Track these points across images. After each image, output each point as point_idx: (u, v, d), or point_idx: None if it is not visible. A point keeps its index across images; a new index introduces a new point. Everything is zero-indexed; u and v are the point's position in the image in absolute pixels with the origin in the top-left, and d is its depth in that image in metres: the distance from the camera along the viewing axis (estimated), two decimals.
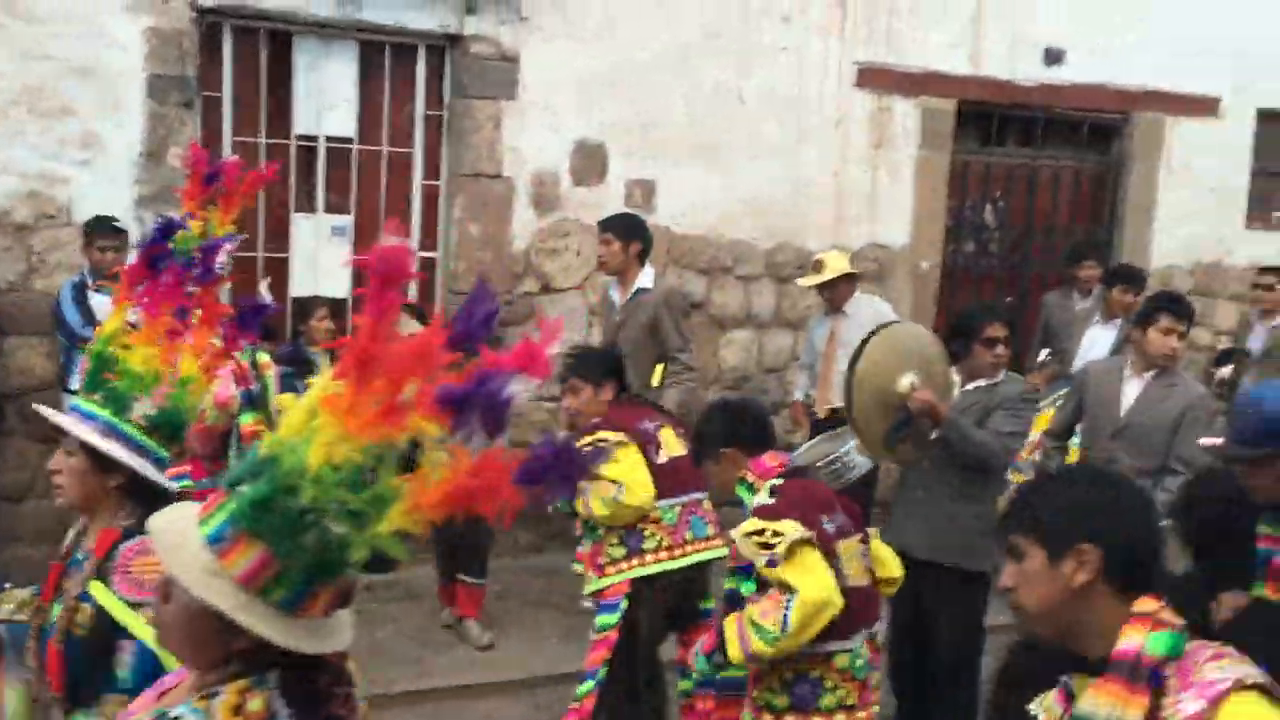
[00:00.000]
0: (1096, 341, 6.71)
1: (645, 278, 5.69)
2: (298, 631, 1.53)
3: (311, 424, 1.44)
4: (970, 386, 4.48)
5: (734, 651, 3.14)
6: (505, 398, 1.38)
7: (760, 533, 3.13)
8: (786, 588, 3.05)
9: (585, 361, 4.46)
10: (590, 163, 6.86)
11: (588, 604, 4.39)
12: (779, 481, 3.32)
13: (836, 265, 6.30)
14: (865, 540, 3.44)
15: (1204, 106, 8.34)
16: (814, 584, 3.04)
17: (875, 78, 7.47)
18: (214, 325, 2.46)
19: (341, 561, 1.50)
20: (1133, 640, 1.81)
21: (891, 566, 3.57)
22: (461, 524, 4.87)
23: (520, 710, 5.10)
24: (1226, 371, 7.05)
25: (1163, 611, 1.84)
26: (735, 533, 3.25)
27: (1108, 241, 8.31)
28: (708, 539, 4.34)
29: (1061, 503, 1.90)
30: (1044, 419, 5.61)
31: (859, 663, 3.24)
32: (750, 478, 3.39)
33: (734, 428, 3.48)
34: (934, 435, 4.23)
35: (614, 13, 6.77)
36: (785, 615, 3.01)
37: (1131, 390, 4.76)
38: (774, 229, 7.37)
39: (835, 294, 6.31)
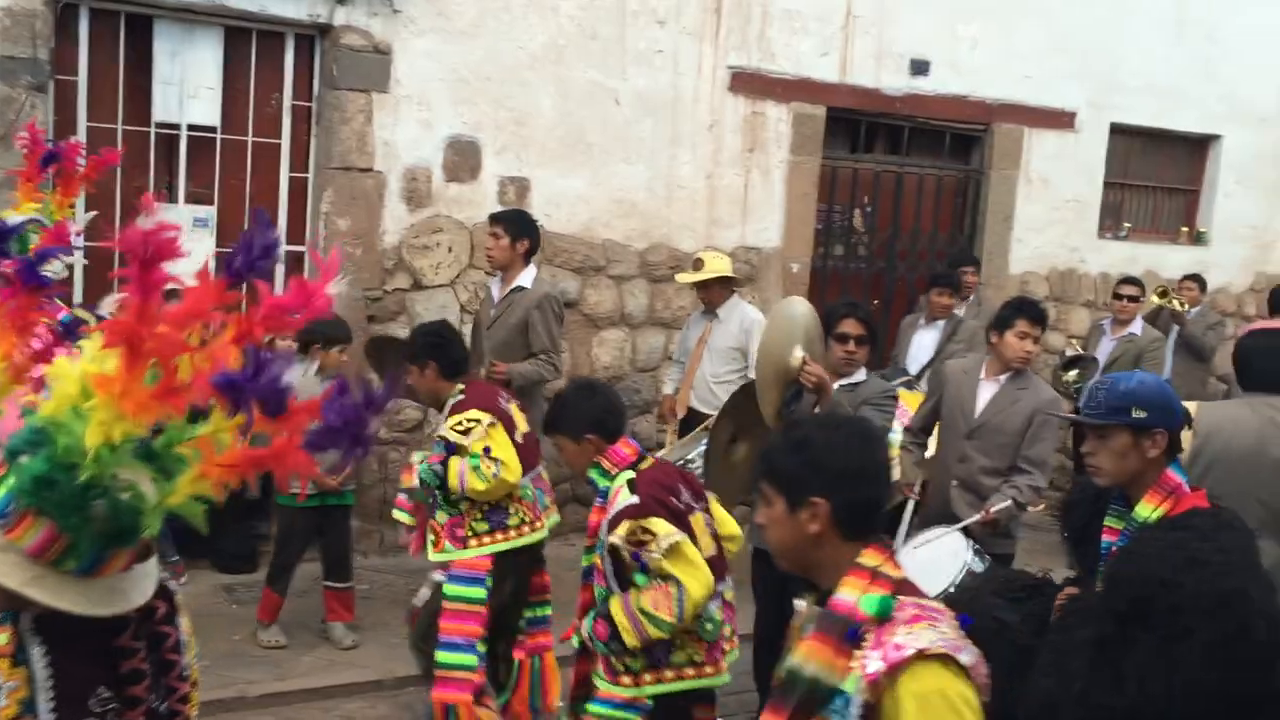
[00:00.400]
0: (922, 344, 6.94)
1: (526, 277, 5.74)
2: (95, 593, 1.54)
3: (86, 404, 1.43)
4: (835, 385, 4.58)
5: (631, 640, 3.36)
6: (282, 384, 1.40)
7: (632, 531, 3.37)
8: (670, 579, 3.31)
9: (405, 345, 4.59)
10: (464, 159, 6.81)
11: (438, 575, 4.47)
12: (632, 474, 3.50)
13: (715, 266, 6.38)
14: (707, 509, 3.66)
15: (1060, 120, 8.69)
16: (699, 578, 3.32)
17: (748, 83, 7.58)
18: (28, 333, 2.37)
19: (134, 529, 1.50)
20: (849, 594, 2.01)
21: (730, 525, 3.81)
22: (324, 531, 4.84)
23: (383, 711, 5.04)
24: (1073, 375, 7.36)
25: (885, 565, 2.04)
26: (614, 537, 3.42)
27: (969, 248, 8.59)
28: (547, 509, 4.60)
29: (801, 458, 2.09)
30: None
31: (709, 626, 3.45)
32: (606, 464, 3.59)
33: (598, 415, 3.64)
34: (815, 409, 4.31)
35: (488, 8, 6.73)
36: (679, 608, 3.30)
37: (986, 392, 4.89)
38: (647, 230, 7.43)
39: (711, 295, 6.39)
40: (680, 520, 3.43)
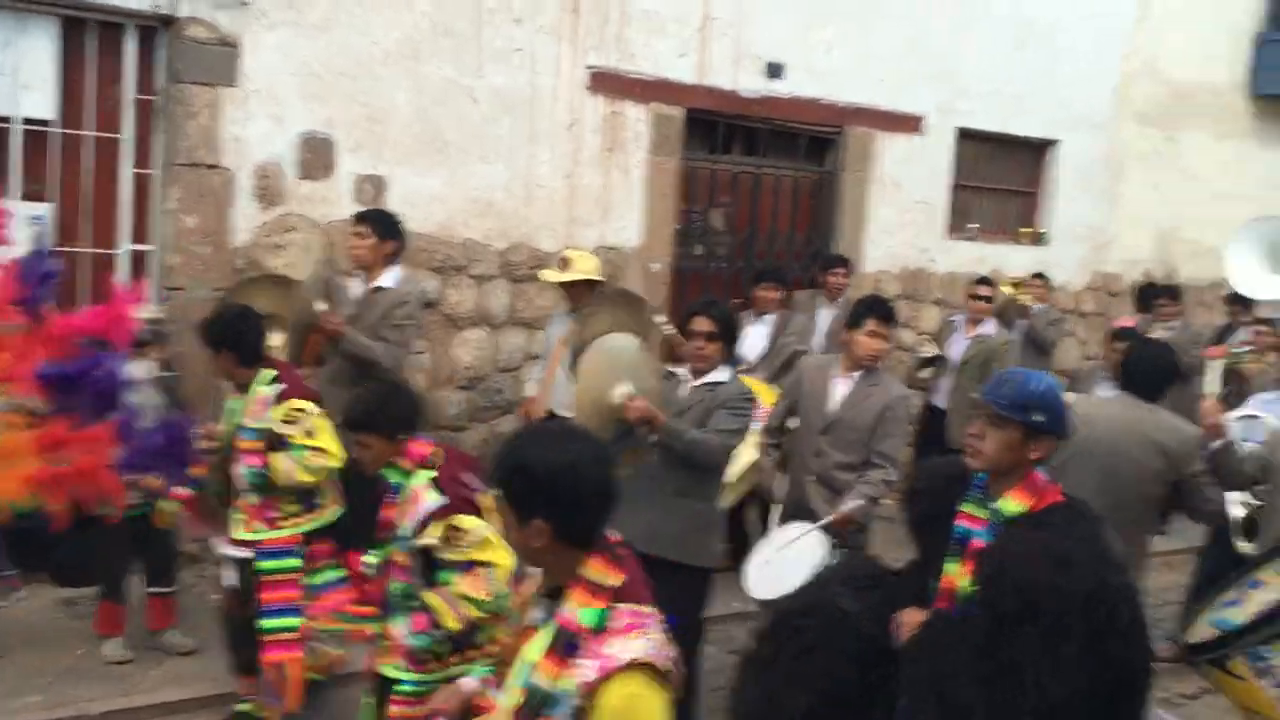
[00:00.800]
0: (750, 338, 7.08)
1: (389, 277, 5.67)
2: None
3: None
4: (696, 384, 4.63)
5: (451, 623, 3.58)
6: (118, 379, 1.35)
7: (444, 531, 3.60)
8: (482, 564, 3.55)
9: (200, 334, 4.58)
10: (317, 157, 6.66)
11: (232, 551, 4.62)
12: (432, 473, 3.69)
13: (583, 267, 6.36)
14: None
15: (909, 124, 8.96)
16: (503, 556, 3.56)
17: (607, 83, 7.61)
18: None
19: None
20: (571, 608, 2.18)
21: None
22: (147, 539, 4.74)
23: None
24: (927, 373, 7.60)
25: (605, 575, 2.20)
26: (426, 538, 3.62)
27: (825, 247, 8.79)
28: None
29: (525, 475, 2.18)
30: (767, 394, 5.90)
31: (505, 604, 3.56)
32: (405, 463, 3.73)
33: (410, 414, 3.79)
34: (653, 441, 4.35)
35: (340, 3, 6.60)
36: (493, 585, 3.55)
37: (840, 388, 5.02)
38: (507, 229, 7.39)
39: (576, 296, 6.32)
40: (474, 507, 3.66)
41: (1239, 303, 9.18)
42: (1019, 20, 9.35)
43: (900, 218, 9.07)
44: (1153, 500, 4.84)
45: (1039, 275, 8.92)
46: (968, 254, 9.51)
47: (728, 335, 4.63)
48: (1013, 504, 2.98)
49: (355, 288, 5.79)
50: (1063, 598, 2.50)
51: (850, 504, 4.74)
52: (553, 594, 2.25)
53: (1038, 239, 10.04)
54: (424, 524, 3.60)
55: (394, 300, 5.60)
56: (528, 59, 7.29)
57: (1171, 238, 10.75)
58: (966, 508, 3.06)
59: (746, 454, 5.53)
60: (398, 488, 3.72)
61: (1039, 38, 9.47)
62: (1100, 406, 5.08)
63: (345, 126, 6.72)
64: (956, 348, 7.73)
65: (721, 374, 4.61)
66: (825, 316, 7.69)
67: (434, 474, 3.67)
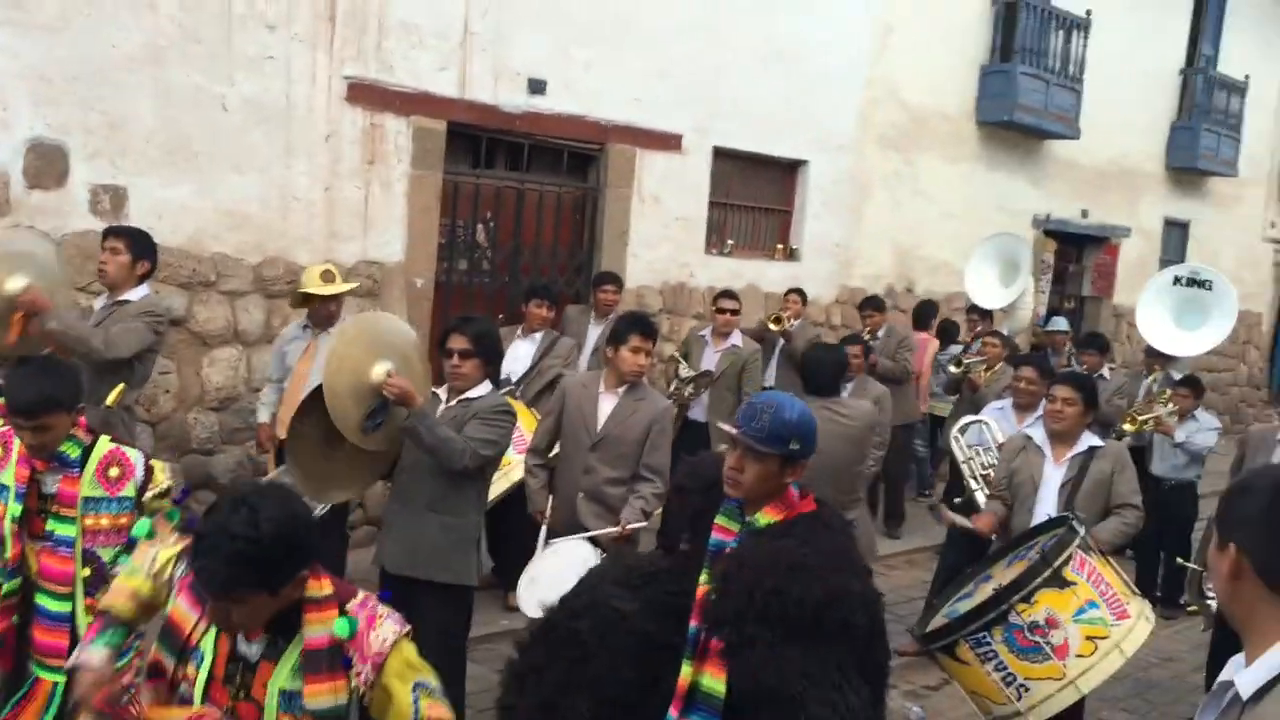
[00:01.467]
0: (517, 354, 7.04)
1: (135, 294, 5.34)
2: None
3: None
4: (452, 401, 4.59)
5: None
6: None
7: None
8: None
9: None
10: (48, 165, 6.23)
11: None
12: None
13: (342, 284, 6.24)
14: None
15: (668, 143, 9.20)
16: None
17: (366, 94, 7.46)
18: None
19: None
20: (320, 630, 2.40)
21: None
22: None
23: None
24: (690, 389, 7.81)
25: (325, 588, 2.44)
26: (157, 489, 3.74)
27: (589, 262, 8.91)
28: None
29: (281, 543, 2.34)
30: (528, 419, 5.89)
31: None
32: (80, 434, 3.68)
33: (76, 385, 3.71)
34: (404, 423, 4.31)
35: (73, 3, 6.20)
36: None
37: (606, 404, 5.09)
38: (262, 243, 7.12)
39: (324, 312, 6.15)
40: None
41: (978, 313, 9.91)
42: (769, 45, 9.76)
43: (661, 233, 9.29)
44: (858, 476, 5.54)
45: (796, 291, 9.33)
46: (725, 269, 9.84)
47: (486, 353, 4.59)
48: (765, 518, 2.98)
49: (98, 305, 5.45)
50: (789, 601, 2.62)
51: (631, 523, 4.85)
52: (274, 627, 2.42)
53: (790, 255, 10.50)
54: (149, 474, 3.72)
55: (137, 310, 5.26)
56: (281, 67, 7.06)
57: (910, 254, 11.46)
58: (721, 520, 3.04)
59: (517, 471, 5.54)
60: (74, 460, 3.64)
61: (788, 63, 9.92)
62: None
63: (80, 133, 6.31)
64: (708, 360, 7.96)
65: (479, 390, 4.59)
66: (595, 333, 7.76)
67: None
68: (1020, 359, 7.72)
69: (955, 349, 9.63)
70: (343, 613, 2.43)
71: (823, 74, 10.25)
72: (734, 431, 2.99)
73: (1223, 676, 1.97)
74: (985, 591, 4.52)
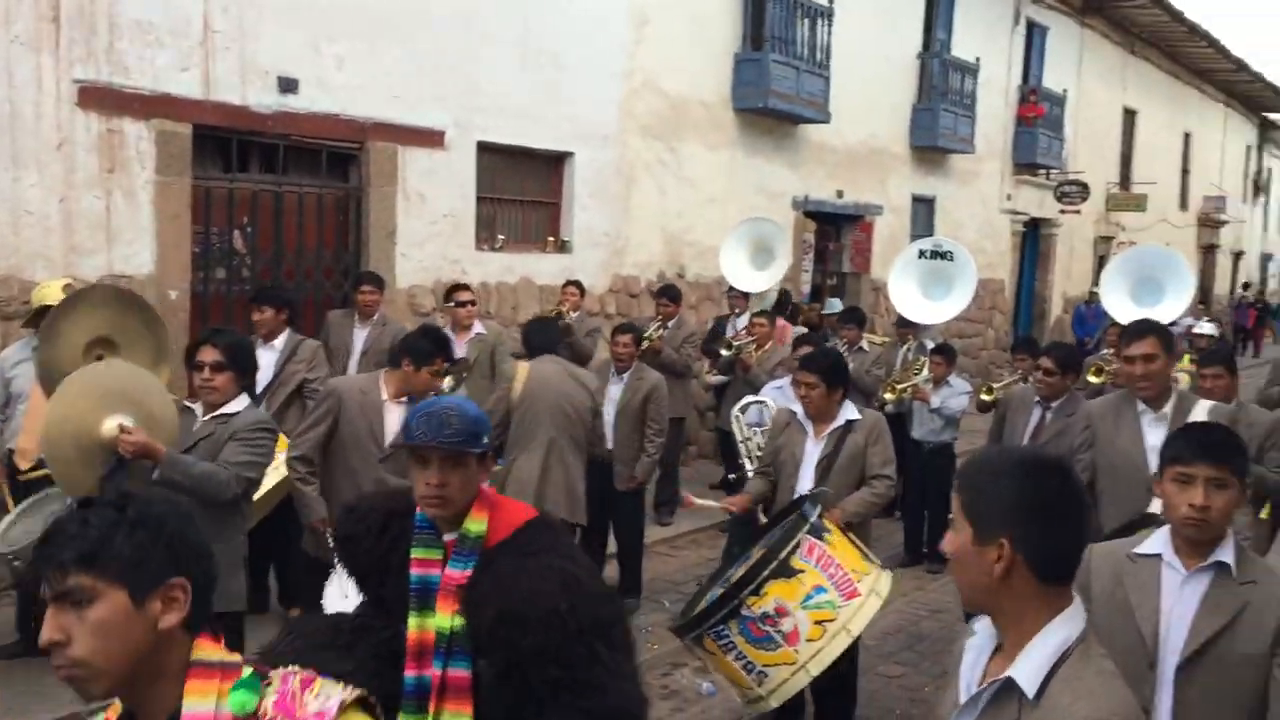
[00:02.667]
0: (262, 364, 6.64)
1: (237, 404, 4.84)
2: None
3: None
4: (208, 416, 4.39)
5: None
6: None
7: None
8: None
9: None
10: None
11: None
12: None
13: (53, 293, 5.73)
14: None
15: (431, 139, 9.07)
16: None
17: (100, 98, 7.03)
18: None
19: None
20: (202, 706, 1.66)
21: None
22: None
23: None
24: (449, 382, 7.72)
25: (220, 651, 1.73)
26: None
27: (356, 264, 8.70)
28: None
29: (137, 552, 1.66)
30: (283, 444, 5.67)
31: None
32: None
33: None
34: (156, 478, 4.07)
35: None
36: None
37: (394, 415, 4.95)
38: None
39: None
40: None
41: (738, 295, 10.20)
42: (528, 38, 9.76)
43: (429, 231, 9.16)
44: (587, 426, 6.33)
45: (573, 283, 9.37)
46: (497, 264, 9.80)
47: (238, 365, 4.39)
48: (477, 523, 2.67)
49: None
50: (575, 620, 2.50)
51: None
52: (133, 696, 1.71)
53: (562, 247, 10.55)
54: None
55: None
56: (2, 73, 6.57)
57: (678, 240, 11.71)
58: (417, 553, 2.67)
59: (273, 478, 5.32)
60: None
61: (546, 56, 9.95)
62: (538, 368, 6.36)
63: None
64: (457, 354, 7.82)
65: (236, 405, 4.39)
66: (360, 335, 7.59)
67: None
68: (800, 338, 8.02)
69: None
70: (244, 683, 1.70)
71: (582, 65, 10.33)
72: (430, 443, 2.62)
73: (973, 658, 2.02)
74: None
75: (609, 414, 6.99)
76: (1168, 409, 4.56)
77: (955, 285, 8.91)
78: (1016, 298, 19.44)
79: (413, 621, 2.63)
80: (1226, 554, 2.75)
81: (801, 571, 4.40)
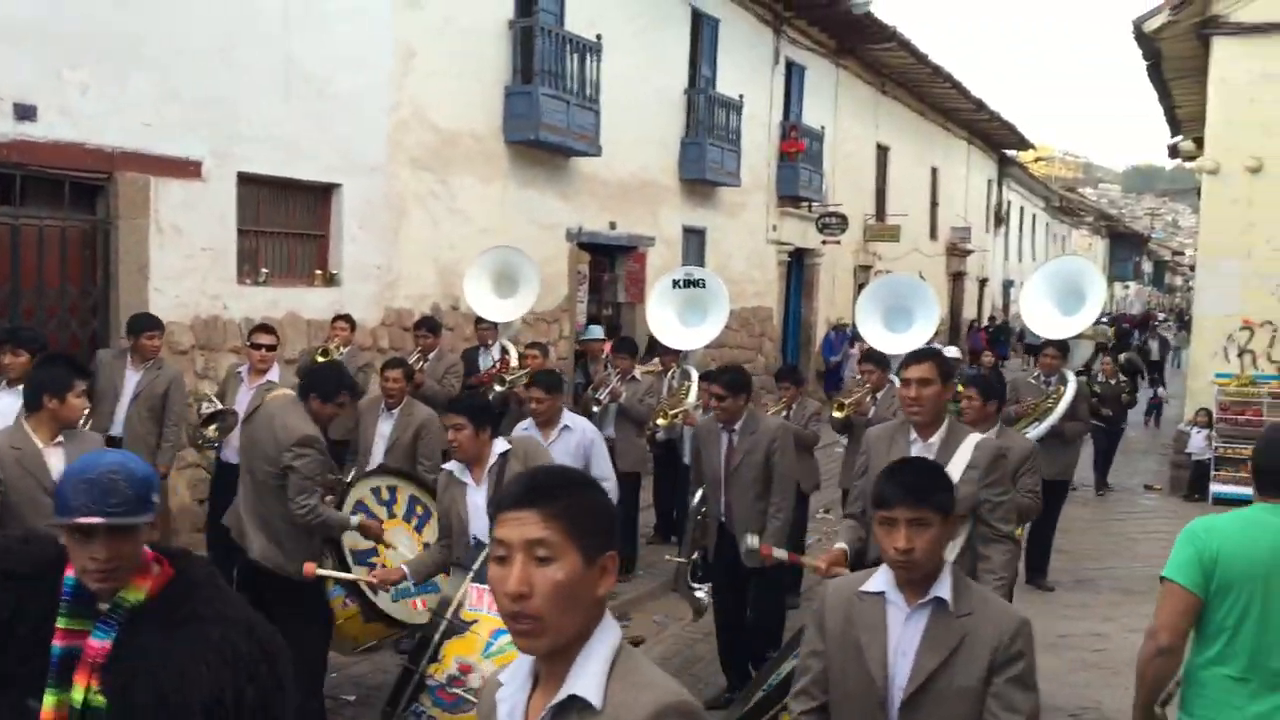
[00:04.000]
0: (4, 410, 5.95)
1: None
2: None
3: None
4: None
5: None
6: None
7: None
8: None
9: None
10: None
11: None
12: None
13: None
14: None
15: (186, 169, 8.68)
16: None
17: None
18: None
19: None
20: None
21: None
22: None
23: None
24: (212, 430, 7.42)
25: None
26: None
27: (105, 301, 8.22)
28: None
29: None
30: None
31: None
32: None
33: None
34: None
35: None
36: None
37: (55, 461, 4.54)
38: None
39: None
40: None
41: (487, 326, 10.07)
42: (289, 67, 9.51)
43: (186, 265, 8.76)
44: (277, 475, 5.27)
45: (343, 317, 9.12)
46: (262, 299, 9.46)
47: None
48: (136, 592, 2.40)
49: None
50: (243, 710, 2.31)
51: None
52: None
53: (330, 280, 10.29)
54: None
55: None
56: None
57: (451, 272, 11.61)
58: (66, 623, 2.36)
59: None
60: None
61: (310, 85, 9.72)
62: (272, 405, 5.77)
63: None
64: (243, 399, 7.35)
65: None
66: (132, 379, 7.30)
67: None
68: (535, 378, 8.01)
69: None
70: None
71: (348, 96, 10.14)
72: (95, 521, 2.31)
73: (508, 709, 1.94)
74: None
75: (379, 451, 6.84)
76: (936, 439, 4.46)
77: (710, 311, 9.20)
78: (784, 325, 20.22)
79: (49, 699, 2.32)
80: (944, 589, 2.83)
81: (474, 622, 4.30)
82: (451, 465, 5.15)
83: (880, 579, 2.92)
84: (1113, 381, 13.05)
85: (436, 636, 4.26)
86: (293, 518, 5.14)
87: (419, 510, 6.27)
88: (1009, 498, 4.44)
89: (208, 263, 8.95)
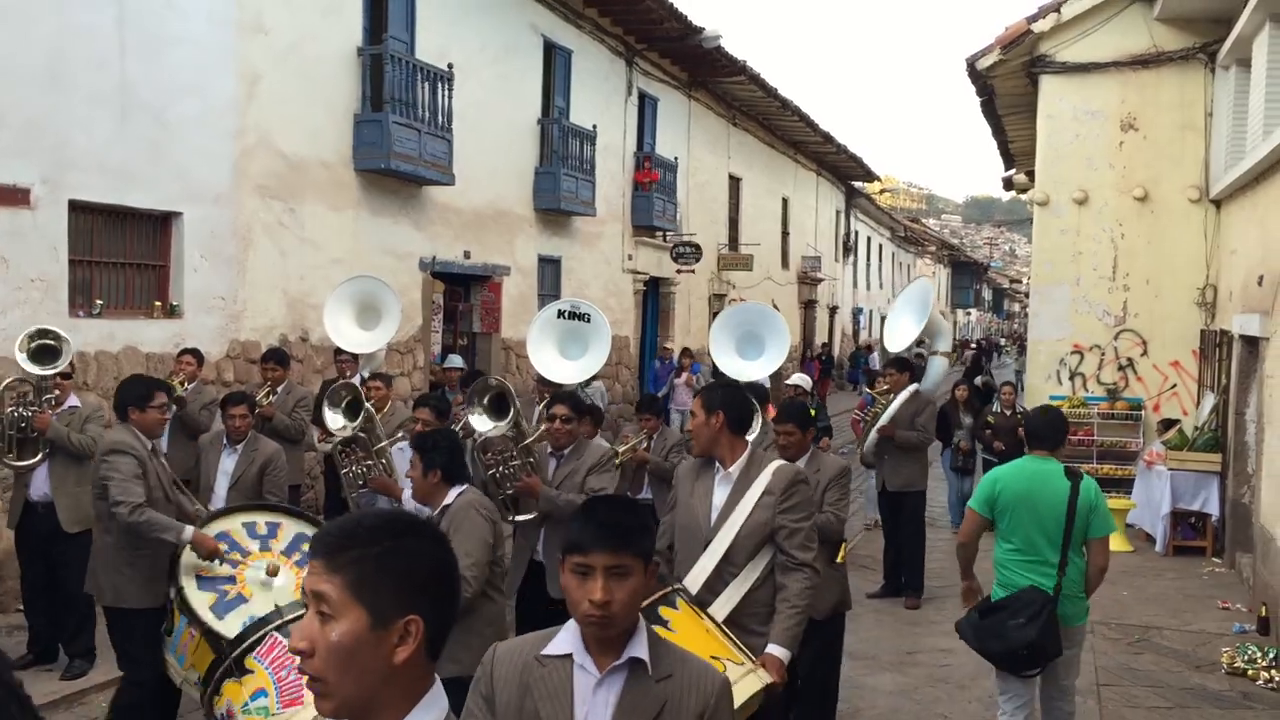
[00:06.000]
0: None
1: None
2: None
3: None
4: None
5: None
6: None
7: None
8: None
9: None
10: None
11: None
12: None
13: None
14: None
15: (14, 197, 8.28)
16: None
17: None
18: None
19: None
20: None
21: None
22: None
23: None
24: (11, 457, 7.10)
25: None
26: None
27: None
28: None
29: None
30: None
31: None
32: None
33: None
34: None
35: None
36: None
37: None
38: None
39: None
40: None
41: (347, 358, 9.81)
42: (124, 92, 9.17)
43: (14, 296, 8.32)
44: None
45: (189, 351, 8.80)
46: (97, 331, 9.05)
47: None
48: None
49: None
50: None
51: None
52: None
53: (171, 312, 9.92)
54: None
55: None
56: None
57: (301, 303, 11.35)
58: None
59: None
60: None
61: (146, 111, 9.39)
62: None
63: None
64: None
65: None
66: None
67: None
68: (419, 400, 7.90)
69: None
70: None
71: (188, 122, 9.84)
72: None
73: None
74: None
75: (221, 488, 6.60)
76: (735, 468, 4.31)
77: (591, 344, 9.20)
78: (641, 353, 20.37)
79: None
80: (640, 648, 2.43)
81: (252, 671, 4.22)
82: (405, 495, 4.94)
83: (565, 639, 2.46)
84: (1008, 412, 12.27)
85: (220, 670, 4.16)
86: (123, 526, 5.21)
87: (304, 548, 6.03)
88: (808, 524, 4.31)
89: (38, 294, 8.53)
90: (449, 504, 4.60)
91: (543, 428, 6.60)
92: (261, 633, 4.19)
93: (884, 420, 9.33)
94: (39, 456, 7.00)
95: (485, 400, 6.64)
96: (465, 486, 4.71)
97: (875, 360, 33.96)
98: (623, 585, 2.38)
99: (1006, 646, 5.13)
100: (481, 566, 4.55)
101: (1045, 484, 5.23)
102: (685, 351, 18.89)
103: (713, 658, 3.64)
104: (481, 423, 6.53)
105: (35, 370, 7.04)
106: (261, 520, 5.94)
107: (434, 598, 1.70)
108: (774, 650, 4.06)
